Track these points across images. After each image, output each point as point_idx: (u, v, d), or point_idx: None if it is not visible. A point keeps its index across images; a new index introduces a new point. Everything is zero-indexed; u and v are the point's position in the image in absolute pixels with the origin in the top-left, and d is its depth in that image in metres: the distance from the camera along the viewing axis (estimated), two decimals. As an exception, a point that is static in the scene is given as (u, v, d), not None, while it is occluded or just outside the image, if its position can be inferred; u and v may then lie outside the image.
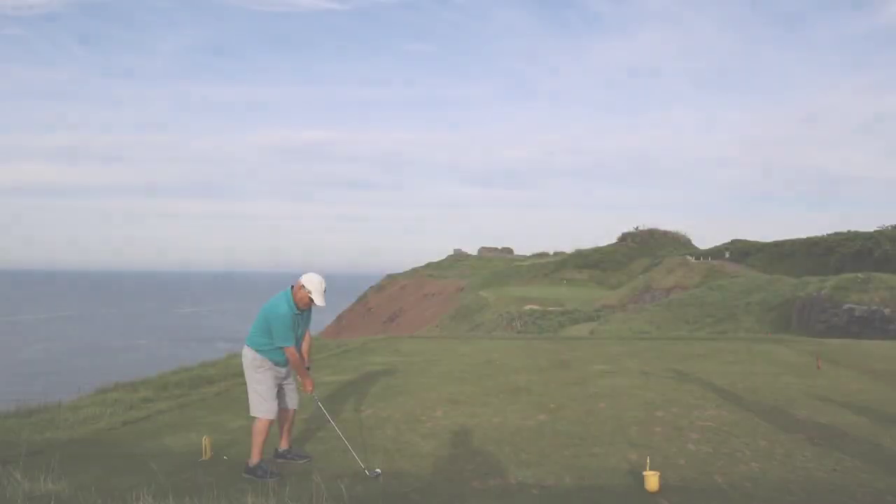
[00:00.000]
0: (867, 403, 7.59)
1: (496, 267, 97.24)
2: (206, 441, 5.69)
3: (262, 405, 5.35)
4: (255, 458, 5.22)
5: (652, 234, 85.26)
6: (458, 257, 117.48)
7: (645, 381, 9.00)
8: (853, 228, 48.56)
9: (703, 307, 31.67)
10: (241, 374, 9.64)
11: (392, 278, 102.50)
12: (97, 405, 7.46)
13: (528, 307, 44.77)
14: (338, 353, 12.46)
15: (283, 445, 5.69)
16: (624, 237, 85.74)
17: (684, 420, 6.78)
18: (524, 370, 10.10)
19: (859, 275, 22.11)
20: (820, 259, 41.22)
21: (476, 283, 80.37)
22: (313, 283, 5.34)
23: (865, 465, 5.28)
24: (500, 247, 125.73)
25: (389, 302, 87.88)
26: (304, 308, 5.44)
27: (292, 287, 5.44)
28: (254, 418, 5.35)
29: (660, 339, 14.90)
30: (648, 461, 4.98)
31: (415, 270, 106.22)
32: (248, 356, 5.44)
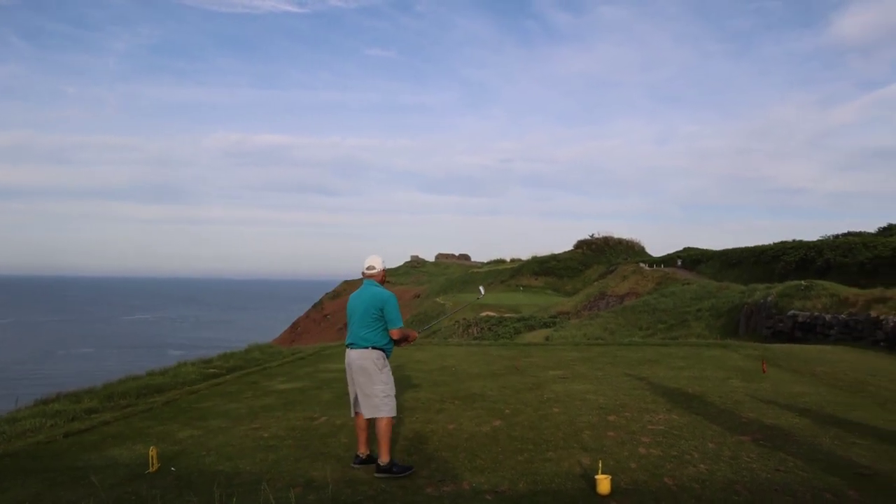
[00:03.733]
0: (808, 405, 7.84)
1: (453, 273, 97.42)
2: (152, 452, 5.54)
3: (392, 403, 5.41)
4: (388, 457, 5.26)
5: (607, 241, 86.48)
6: (415, 264, 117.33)
7: (598, 387, 9.11)
8: (798, 238, 50.20)
9: (655, 313, 32.23)
10: (191, 383, 9.48)
11: (349, 284, 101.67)
12: (36, 417, 7.20)
13: (484, 314, 44.91)
14: (292, 361, 12.32)
15: (367, 450, 5.60)
16: (580, 244, 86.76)
17: (636, 424, 6.88)
18: (480, 376, 10.13)
19: (803, 282, 22.77)
20: (766, 267, 42.40)
21: (433, 290, 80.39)
22: (378, 261, 5.64)
23: (806, 465, 5.45)
24: (457, 253, 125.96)
25: (345, 308, 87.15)
26: None
27: (366, 277, 5.57)
28: (381, 420, 5.31)
29: (613, 345, 15.12)
30: (600, 465, 5.04)
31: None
32: (372, 357, 5.39)
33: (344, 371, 5.65)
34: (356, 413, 5.58)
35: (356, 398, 5.53)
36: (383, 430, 5.30)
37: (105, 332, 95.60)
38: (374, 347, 5.40)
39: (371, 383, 5.36)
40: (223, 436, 6.59)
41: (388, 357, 5.55)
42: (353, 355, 5.44)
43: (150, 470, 5.41)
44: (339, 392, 8.86)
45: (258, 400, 8.46)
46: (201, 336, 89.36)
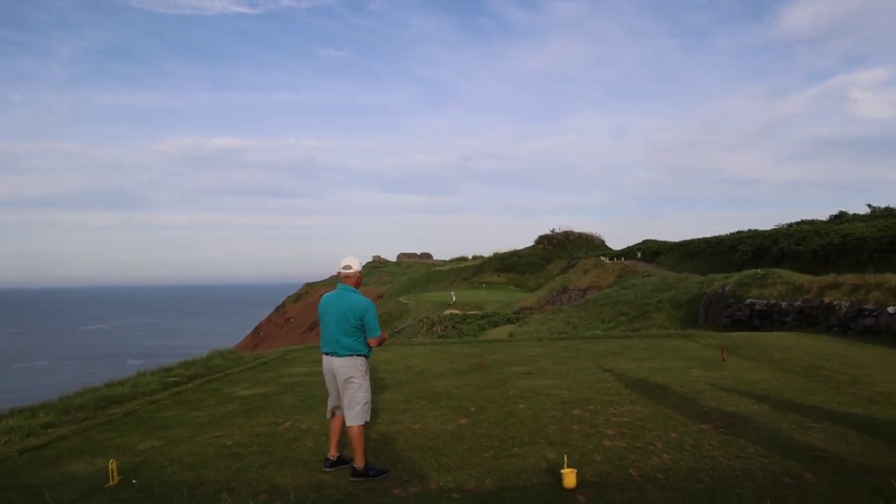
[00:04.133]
0: (767, 392, 8.05)
1: (415, 272, 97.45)
2: (112, 465, 5.42)
3: (369, 410, 5.44)
4: (363, 461, 5.25)
5: (567, 236, 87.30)
6: (377, 264, 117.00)
7: (562, 381, 9.20)
8: (753, 227, 51.40)
9: (616, 306, 32.65)
10: (151, 392, 9.30)
11: (311, 286, 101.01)
12: (-10, 433, 6.98)
13: (448, 312, 44.94)
14: (254, 366, 12.16)
15: (338, 452, 5.57)
16: (541, 240, 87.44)
17: (600, 417, 6.97)
18: (444, 375, 10.14)
19: (759, 271, 23.33)
20: (724, 257, 43.27)
21: (395, 289, 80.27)
22: (355, 261, 5.54)
23: (766, 450, 5.59)
24: (419, 252, 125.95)
25: (308, 311, 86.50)
26: None
27: (341, 281, 5.49)
28: (353, 426, 5.30)
29: (576, 339, 15.28)
30: (566, 459, 5.09)
31: (334, 278, 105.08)
32: (357, 364, 5.36)
33: (309, 375, 5.61)
34: (332, 416, 5.56)
35: (334, 404, 5.51)
36: (358, 436, 5.28)
37: (61, 343, 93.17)
38: (357, 355, 5.37)
39: (356, 390, 5.33)
40: (185, 445, 6.48)
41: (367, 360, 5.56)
42: (336, 363, 5.36)
43: (111, 483, 5.29)
44: (303, 396, 8.78)
45: (221, 407, 8.34)
46: (161, 344, 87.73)
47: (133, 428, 7.39)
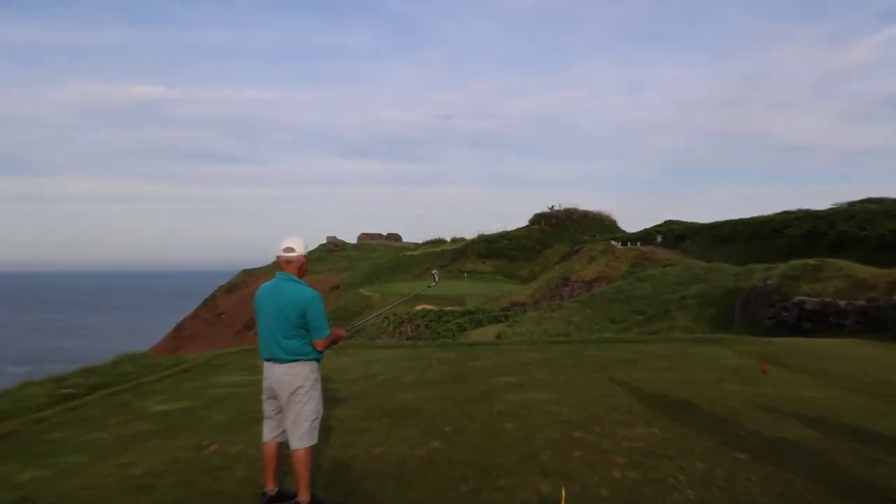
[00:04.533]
0: (820, 413, 8.11)
1: (380, 258, 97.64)
2: (-17, 499, 5.31)
3: (318, 428, 5.43)
4: (308, 493, 5.22)
5: (570, 214, 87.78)
6: (333, 247, 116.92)
7: (561, 395, 9.24)
8: (804, 207, 51.96)
9: (630, 302, 32.94)
10: (38, 408, 9.17)
11: (248, 274, 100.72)
12: None
13: (420, 307, 45.03)
14: (174, 374, 12.06)
15: (276, 486, 5.53)
16: (537, 219, 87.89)
17: (608, 441, 6.99)
18: (413, 386, 10.15)
19: (811, 261, 23.55)
20: (766, 243, 43.75)
21: (356, 279, 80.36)
22: (299, 243, 5.54)
23: (817, 487, 5.61)
24: (384, 233, 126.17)
25: (245, 305, 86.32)
26: None
27: (281, 268, 5.48)
28: (299, 449, 5.26)
29: (579, 343, 15.35)
30: (564, 493, 5.09)
31: (277, 264, 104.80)
32: (304, 372, 5.32)
33: (243, 385, 5.54)
34: (266, 441, 5.51)
35: (273, 424, 5.47)
36: (304, 461, 5.24)
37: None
38: (304, 360, 5.31)
39: (304, 404, 5.29)
40: (80, 476, 6.39)
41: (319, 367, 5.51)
42: (277, 372, 5.30)
43: (-19, 524, 5.20)
44: (234, 412, 8.73)
45: (129, 426, 8.25)
46: (54, 346, 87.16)
47: (13, 454, 7.27)
